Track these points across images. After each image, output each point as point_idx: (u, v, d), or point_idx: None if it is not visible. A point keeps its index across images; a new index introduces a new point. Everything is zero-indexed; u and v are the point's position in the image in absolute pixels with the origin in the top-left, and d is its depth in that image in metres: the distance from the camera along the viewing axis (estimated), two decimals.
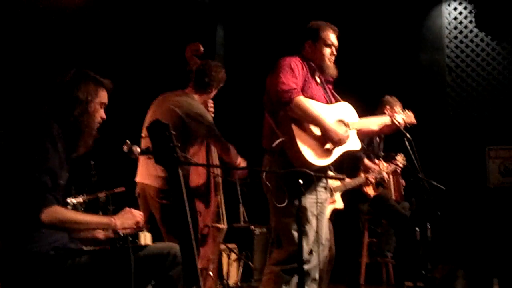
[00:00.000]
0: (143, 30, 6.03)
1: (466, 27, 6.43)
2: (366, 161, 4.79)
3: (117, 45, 5.92)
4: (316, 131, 2.99)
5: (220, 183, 4.08)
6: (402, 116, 3.43)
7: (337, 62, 6.29)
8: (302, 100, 2.93)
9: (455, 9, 6.48)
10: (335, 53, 3.28)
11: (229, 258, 5.05)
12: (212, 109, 4.09)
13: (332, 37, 3.28)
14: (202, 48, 4.10)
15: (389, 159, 5.01)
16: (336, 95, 3.31)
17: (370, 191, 4.89)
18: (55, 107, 2.35)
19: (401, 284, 5.02)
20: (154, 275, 2.35)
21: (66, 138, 2.33)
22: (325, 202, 3.14)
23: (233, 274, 5.16)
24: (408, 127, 3.47)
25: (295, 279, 2.92)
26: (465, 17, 6.43)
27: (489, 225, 5.85)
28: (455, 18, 6.46)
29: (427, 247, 4.31)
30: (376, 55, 6.37)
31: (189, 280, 1.94)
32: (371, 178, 4.78)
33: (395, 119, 3.36)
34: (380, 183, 5.46)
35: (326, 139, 3.00)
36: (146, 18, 6.08)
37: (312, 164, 2.90)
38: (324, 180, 3.07)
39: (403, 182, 5.60)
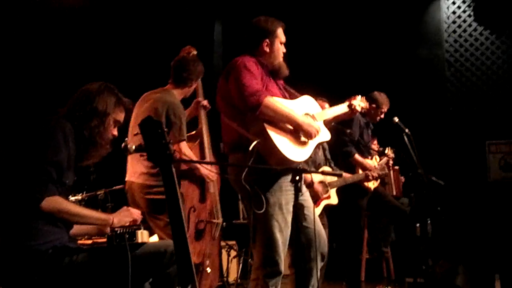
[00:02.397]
0: (140, 27, 6.01)
1: (465, 21, 6.40)
2: (357, 156, 4.77)
3: (114, 42, 5.90)
4: (289, 127, 2.92)
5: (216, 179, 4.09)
6: (359, 103, 3.40)
7: (337, 58, 6.34)
8: (271, 100, 2.83)
9: (453, 3, 6.44)
10: (285, 50, 3.15)
11: (228, 255, 5.04)
12: (206, 104, 4.12)
13: (283, 33, 3.13)
14: (195, 51, 4.15)
15: (379, 153, 5.00)
16: (290, 90, 3.21)
17: (370, 184, 4.88)
18: (74, 114, 2.39)
19: (401, 280, 5.00)
20: (151, 272, 2.37)
21: (79, 145, 2.36)
22: (305, 195, 3.10)
23: (233, 271, 5.16)
24: (363, 112, 3.45)
25: (278, 280, 2.90)
26: (464, 11, 6.39)
27: (490, 220, 5.83)
28: (454, 12, 6.43)
29: (427, 242, 4.29)
30: (375, 50, 6.35)
31: (184, 279, 1.93)
32: (374, 174, 4.74)
33: (354, 107, 3.33)
34: (382, 182, 5.46)
35: (301, 132, 2.94)
36: (143, 15, 6.05)
37: (291, 161, 2.83)
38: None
39: (402, 178, 5.60)
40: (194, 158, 3.82)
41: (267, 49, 3.07)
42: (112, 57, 5.81)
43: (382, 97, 4.99)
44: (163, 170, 1.90)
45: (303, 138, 2.96)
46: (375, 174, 4.75)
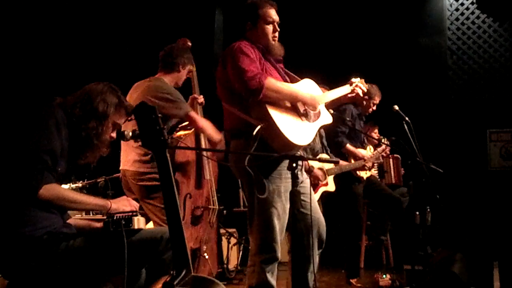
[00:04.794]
0: (140, 16, 6.00)
1: (467, 8, 6.37)
2: (349, 146, 4.78)
3: (113, 31, 5.89)
4: (292, 110, 2.91)
5: (211, 165, 4.12)
6: (361, 86, 3.39)
7: (339, 46, 6.31)
8: (272, 81, 2.82)
9: None
10: (277, 29, 3.08)
11: (228, 242, 5.07)
12: (202, 100, 4.14)
13: (272, 13, 3.05)
14: (189, 43, 4.20)
15: (388, 143, 5.01)
16: (290, 73, 3.18)
17: (362, 174, 4.90)
18: (73, 113, 2.37)
19: (400, 267, 5.02)
20: (147, 258, 2.38)
21: (73, 139, 2.36)
22: (305, 182, 3.10)
23: (233, 258, 5.19)
24: (362, 96, 3.45)
25: (275, 267, 2.92)
26: None
27: (490, 208, 5.84)
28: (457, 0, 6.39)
29: (426, 230, 4.31)
30: (377, 37, 6.32)
31: (179, 263, 1.94)
32: (369, 164, 4.78)
33: (355, 89, 3.33)
34: (381, 169, 5.46)
35: (306, 106, 2.94)
36: (144, 4, 6.04)
37: (295, 144, 2.81)
38: (299, 162, 2.99)
39: (402, 170, 5.61)
40: (207, 123, 3.84)
41: (253, 32, 3.05)
42: (111, 46, 5.80)
43: (374, 89, 4.98)
44: (158, 156, 1.91)
45: (305, 120, 2.95)
46: (369, 164, 4.78)
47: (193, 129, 4.13)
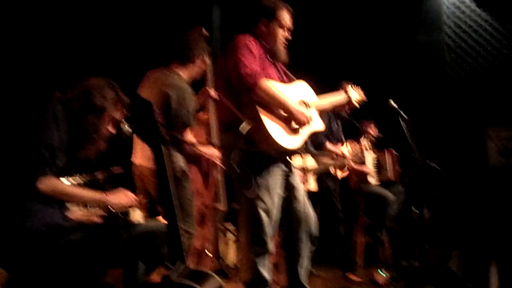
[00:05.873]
0: (137, 12, 5.99)
1: (465, 4, 6.37)
2: (328, 145, 4.81)
3: (111, 26, 5.88)
4: (282, 113, 2.90)
5: (219, 164, 4.10)
6: (356, 96, 3.40)
7: (336, 43, 6.31)
8: (266, 83, 2.81)
9: None
10: (288, 35, 3.09)
11: (225, 237, 5.10)
12: (214, 94, 4.08)
13: (288, 19, 3.06)
14: (205, 32, 4.08)
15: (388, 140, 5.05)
16: (289, 73, 3.18)
17: (338, 173, 4.97)
18: (71, 107, 2.40)
19: (397, 264, 5.05)
20: (145, 252, 2.39)
21: (72, 133, 2.38)
22: (297, 177, 3.11)
23: (231, 254, 5.21)
24: (360, 105, 3.47)
25: (267, 259, 2.93)
26: None
27: (488, 206, 5.86)
28: None
29: (423, 227, 4.33)
30: (374, 35, 6.33)
31: (174, 256, 1.97)
32: (337, 162, 4.84)
33: (352, 99, 3.35)
34: (378, 166, 5.49)
35: (293, 121, 2.93)
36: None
37: (283, 147, 2.83)
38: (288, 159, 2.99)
39: (399, 169, 5.63)
40: (195, 143, 3.71)
41: (264, 29, 3.04)
42: (108, 42, 5.80)
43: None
44: (154, 150, 1.93)
45: (295, 126, 2.97)
46: (338, 162, 4.82)
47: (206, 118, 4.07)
